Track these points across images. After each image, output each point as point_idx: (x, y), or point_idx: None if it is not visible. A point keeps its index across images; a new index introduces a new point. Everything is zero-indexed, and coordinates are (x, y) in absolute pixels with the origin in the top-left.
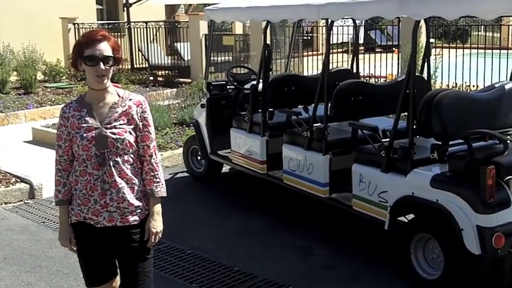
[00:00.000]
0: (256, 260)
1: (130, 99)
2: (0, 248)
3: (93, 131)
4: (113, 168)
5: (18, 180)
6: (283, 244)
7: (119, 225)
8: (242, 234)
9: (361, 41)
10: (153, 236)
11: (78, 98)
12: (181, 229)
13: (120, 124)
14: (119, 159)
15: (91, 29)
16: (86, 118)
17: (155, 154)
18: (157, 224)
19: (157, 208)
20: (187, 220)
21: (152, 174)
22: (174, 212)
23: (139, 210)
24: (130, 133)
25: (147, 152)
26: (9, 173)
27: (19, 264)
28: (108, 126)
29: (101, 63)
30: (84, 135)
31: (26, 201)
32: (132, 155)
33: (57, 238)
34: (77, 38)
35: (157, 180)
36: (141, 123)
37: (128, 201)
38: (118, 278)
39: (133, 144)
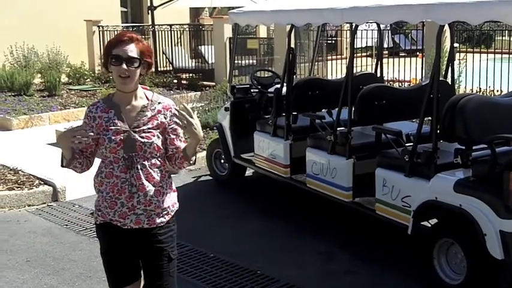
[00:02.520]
0: (278, 264)
1: (159, 103)
2: (23, 251)
3: (122, 134)
4: (140, 171)
5: (42, 182)
6: (305, 248)
7: (146, 227)
8: (265, 238)
9: (385, 45)
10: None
11: (105, 98)
12: (204, 232)
13: (149, 128)
14: (146, 163)
15: (117, 31)
16: (114, 120)
17: None
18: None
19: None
20: (210, 223)
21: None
22: (197, 215)
23: (166, 212)
24: (158, 137)
25: (178, 153)
26: (32, 175)
27: (42, 267)
28: (137, 129)
29: (124, 63)
30: (113, 137)
31: (49, 204)
32: (159, 158)
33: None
34: (101, 41)
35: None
36: (170, 127)
37: (155, 204)
38: (142, 280)
39: (161, 147)
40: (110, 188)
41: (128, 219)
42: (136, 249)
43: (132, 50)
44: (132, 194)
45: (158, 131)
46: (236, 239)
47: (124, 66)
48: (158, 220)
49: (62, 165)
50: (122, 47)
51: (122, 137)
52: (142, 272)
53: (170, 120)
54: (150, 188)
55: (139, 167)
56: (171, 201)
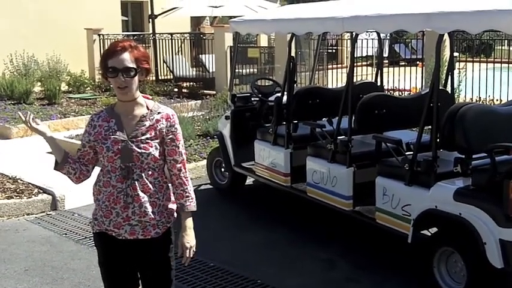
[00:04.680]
0: (279, 273)
1: (159, 113)
2: (21, 260)
3: (120, 144)
4: (136, 182)
5: (41, 191)
6: (306, 257)
7: (141, 238)
8: (265, 247)
9: (385, 54)
10: (187, 251)
11: (108, 108)
12: (204, 242)
13: (147, 138)
14: (143, 174)
15: (117, 40)
16: (113, 129)
17: (184, 168)
18: (190, 239)
19: (189, 223)
20: (211, 233)
21: (182, 188)
22: (197, 224)
23: (161, 224)
24: (156, 147)
25: (175, 166)
26: (31, 184)
27: (40, 276)
28: (135, 140)
29: (120, 74)
30: (110, 147)
31: (48, 213)
32: (157, 169)
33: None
34: (101, 49)
35: (187, 194)
36: (168, 138)
37: (150, 215)
38: None
39: (159, 158)
40: (106, 197)
41: (122, 229)
42: (132, 260)
43: (127, 59)
44: (127, 204)
45: (157, 141)
46: (236, 248)
47: (120, 77)
48: (153, 231)
49: (55, 168)
50: (116, 57)
51: (120, 147)
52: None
53: (168, 130)
54: (145, 199)
55: (135, 177)
56: (168, 212)
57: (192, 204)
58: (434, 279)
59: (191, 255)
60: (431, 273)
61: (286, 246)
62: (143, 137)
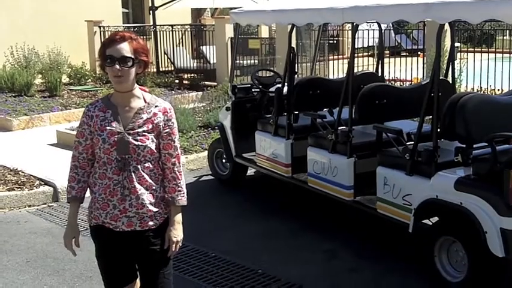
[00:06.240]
0: (280, 263)
1: (156, 106)
2: (23, 251)
3: (116, 136)
4: (133, 174)
5: (42, 183)
6: (307, 247)
7: (138, 230)
8: (266, 237)
9: (389, 44)
10: (174, 245)
11: (104, 98)
12: (206, 232)
13: (144, 131)
14: (139, 166)
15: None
16: (109, 120)
17: (178, 162)
18: (177, 233)
19: (178, 217)
20: (212, 223)
21: (175, 182)
22: (199, 215)
23: (159, 215)
24: (153, 140)
25: (169, 160)
26: (33, 175)
27: (42, 267)
28: (131, 132)
29: (117, 63)
30: (107, 138)
31: (49, 204)
32: (152, 162)
33: (63, 236)
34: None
35: (180, 188)
36: (164, 132)
37: (147, 207)
38: (138, 281)
39: (155, 151)
40: (103, 190)
41: (119, 221)
42: (130, 252)
43: (125, 49)
44: (124, 196)
45: (153, 134)
46: (238, 239)
47: (117, 66)
48: (151, 223)
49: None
50: (115, 46)
51: (116, 139)
52: (138, 273)
53: (165, 124)
54: (142, 191)
55: (132, 169)
56: (165, 204)
57: (183, 199)
58: (435, 269)
59: (177, 250)
60: (433, 262)
61: (287, 237)
62: (140, 130)
